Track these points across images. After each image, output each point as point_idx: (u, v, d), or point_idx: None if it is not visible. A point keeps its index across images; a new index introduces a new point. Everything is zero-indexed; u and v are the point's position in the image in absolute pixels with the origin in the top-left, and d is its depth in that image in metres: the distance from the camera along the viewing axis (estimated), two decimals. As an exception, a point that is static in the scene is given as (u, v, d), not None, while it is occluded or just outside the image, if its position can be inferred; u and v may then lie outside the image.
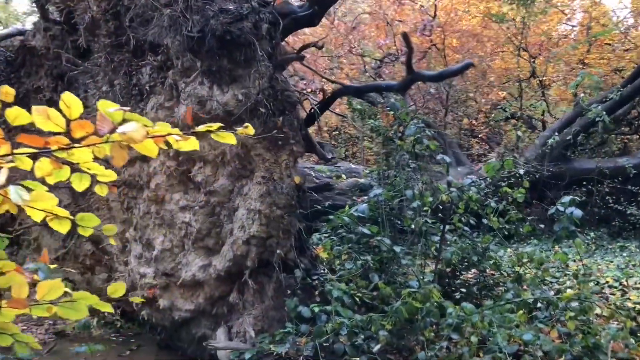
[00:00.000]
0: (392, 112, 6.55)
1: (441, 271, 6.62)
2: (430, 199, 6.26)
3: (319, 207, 6.10)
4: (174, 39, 5.79)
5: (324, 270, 6.61)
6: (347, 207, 6.54)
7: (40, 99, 8.95)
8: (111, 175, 2.24)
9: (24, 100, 9.15)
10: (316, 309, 5.64)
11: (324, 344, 5.30)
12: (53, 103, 8.77)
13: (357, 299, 5.97)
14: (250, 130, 2.37)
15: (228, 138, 2.33)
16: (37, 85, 8.97)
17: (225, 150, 5.81)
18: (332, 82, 6.84)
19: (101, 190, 2.35)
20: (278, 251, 5.75)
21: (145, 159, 6.69)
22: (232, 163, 5.81)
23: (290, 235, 5.83)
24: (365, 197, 7.02)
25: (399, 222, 7.07)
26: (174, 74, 6.11)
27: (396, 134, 6.71)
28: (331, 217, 6.49)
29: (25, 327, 7.48)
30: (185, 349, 6.66)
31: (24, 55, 9.05)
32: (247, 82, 5.64)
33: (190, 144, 2.19)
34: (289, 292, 5.86)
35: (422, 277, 6.14)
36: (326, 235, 7.53)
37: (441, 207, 6.63)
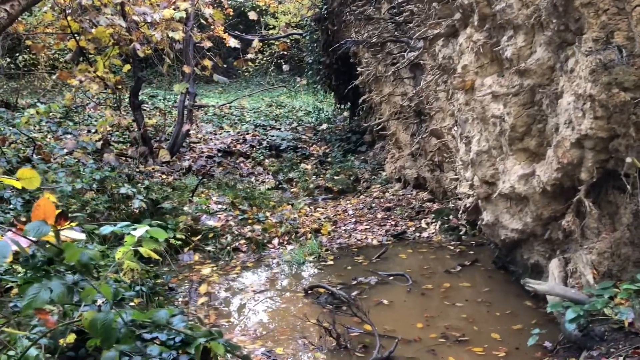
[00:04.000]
0: None
1: None
2: None
3: None
4: None
5: None
6: None
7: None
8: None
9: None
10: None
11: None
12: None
13: None
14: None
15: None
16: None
17: (540, 5, 3.79)
18: None
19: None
20: (629, 159, 3.56)
21: (454, 34, 5.19)
22: (550, 24, 3.77)
23: (654, 132, 3.51)
24: None
25: None
26: None
27: None
28: None
29: (368, 227, 7.34)
30: (519, 275, 5.20)
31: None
32: None
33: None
34: (653, 222, 3.65)
35: None
36: None
37: None
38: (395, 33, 7.63)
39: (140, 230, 2.77)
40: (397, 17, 7.04)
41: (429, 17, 5.65)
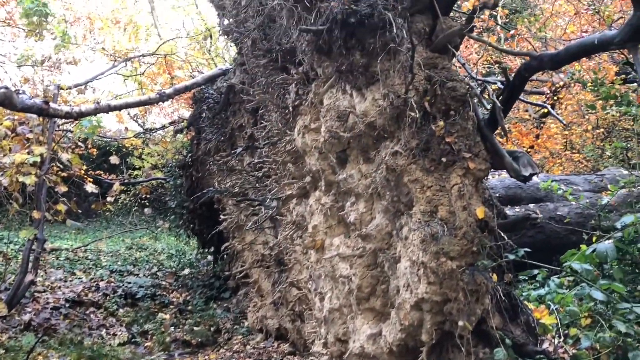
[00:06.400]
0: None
1: None
2: None
3: (514, 255, 3.90)
4: (299, 39, 4.47)
5: (556, 344, 4.34)
6: (583, 247, 4.18)
7: (243, 136, 8.64)
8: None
9: (230, 140, 8.98)
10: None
11: None
12: (254, 140, 8.29)
13: (607, 401, 3.60)
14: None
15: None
16: (240, 123, 8.69)
17: (376, 177, 4.17)
18: (517, 54, 4.51)
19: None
20: (461, 322, 3.81)
21: (306, 195, 5.49)
22: (385, 195, 4.13)
23: (479, 296, 3.83)
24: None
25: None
26: (317, 86, 4.77)
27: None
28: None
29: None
30: None
31: (228, 94, 8.89)
32: (389, 78, 3.93)
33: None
34: (488, 382, 3.85)
35: None
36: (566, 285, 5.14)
37: None
38: (256, 185, 7.90)
39: None
40: (256, 172, 7.32)
41: (284, 176, 5.94)
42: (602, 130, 10.64)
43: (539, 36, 9.41)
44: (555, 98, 11.78)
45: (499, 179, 8.33)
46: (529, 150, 12.19)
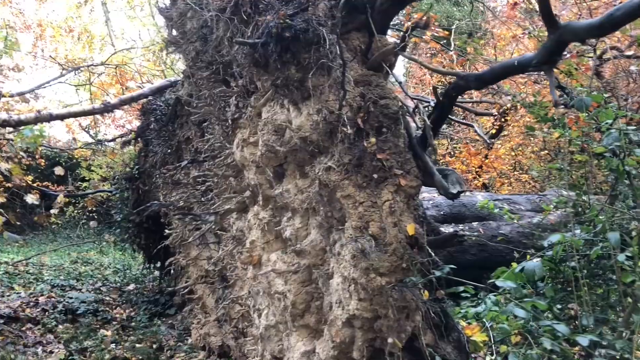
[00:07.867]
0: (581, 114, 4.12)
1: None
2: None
3: (440, 272, 3.91)
4: (237, 52, 4.43)
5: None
6: (513, 265, 4.24)
7: (189, 149, 8.49)
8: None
9: (177, 152, 8.82)
10: None
11: None
12: (199, 153, 8.15)
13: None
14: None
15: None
16: (187, 136, 8.55)
17: (311, 192, 4.15)
18: (445, 73, 4.64)
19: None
20: (390, 339, 3.79)
21: (245, 209, 5.41)
22: (320, 210, 4.11)
23: (409, 312, 3.82)
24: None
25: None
26: (256, 99, 4.73)
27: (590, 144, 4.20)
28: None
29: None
30: None
31: (176, 106, 8.76)
32: (324, 94, 3.93)
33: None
34: (418, 400, 3.83)
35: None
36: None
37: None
38: (201, 199, 7.76)
39: None
40: (200, 186, 7.20)
41: (226, 190, 5.85)
42: (546, 152, 10.95)
43: (485, 59, 9.65)
44: (503, 120, 12.07)
45: (444, 197, 8.43)
46: (477, 170, 12.45)
